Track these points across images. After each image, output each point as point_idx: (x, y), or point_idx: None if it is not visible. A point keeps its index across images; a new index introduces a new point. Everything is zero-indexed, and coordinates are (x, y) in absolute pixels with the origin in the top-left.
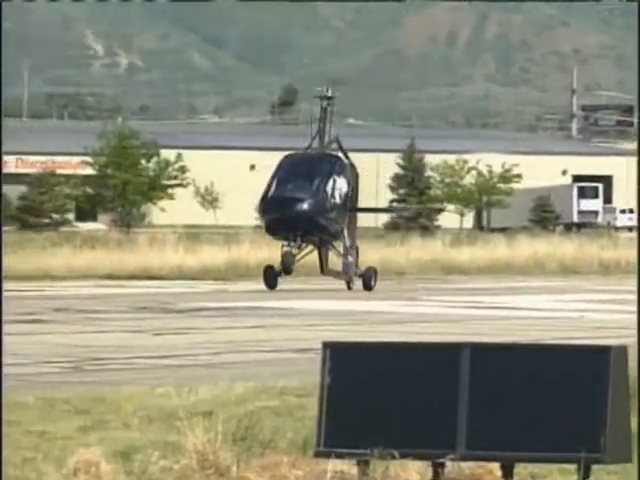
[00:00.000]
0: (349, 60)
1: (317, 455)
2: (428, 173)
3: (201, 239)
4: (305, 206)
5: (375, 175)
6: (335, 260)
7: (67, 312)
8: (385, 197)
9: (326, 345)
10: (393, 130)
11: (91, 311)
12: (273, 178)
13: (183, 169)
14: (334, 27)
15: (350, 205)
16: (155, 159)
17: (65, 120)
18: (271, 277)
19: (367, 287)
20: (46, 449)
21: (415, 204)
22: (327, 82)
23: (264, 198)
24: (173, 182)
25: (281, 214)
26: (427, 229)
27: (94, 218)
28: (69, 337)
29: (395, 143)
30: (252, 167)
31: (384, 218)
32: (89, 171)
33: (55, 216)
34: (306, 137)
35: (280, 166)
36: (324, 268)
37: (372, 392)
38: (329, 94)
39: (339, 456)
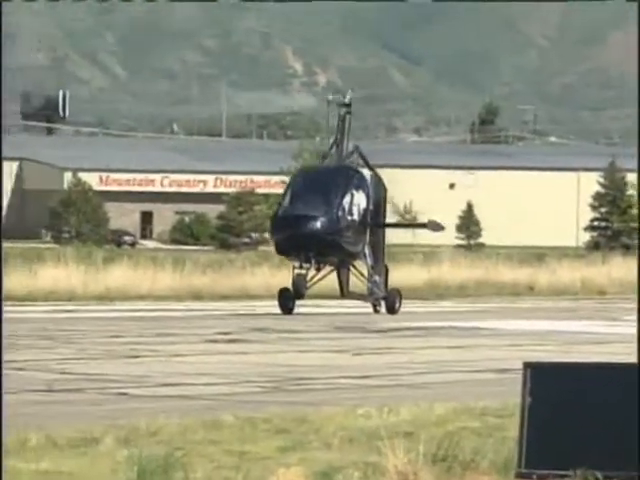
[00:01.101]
0: (553, 78)
1: (518, 476)
2: (630, 192)
3: (400, 258)
4: (317, 224)
5: (576, 193)
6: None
7: (266, 332)
8: (586, 216)
9: (527, 365)
10: (595, 148)
11: (290, 331)
12: (285, 193)
13: None
14: (538, 45)
15: (375, 221)
16: None
17: (264, 140)
18: (287, 300)
19: (391, 310)
20: (246, 469)
21: (617, 223)
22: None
23: (275, 215)
24: None
25: (291, 233)
26: (629, 248)
27: None
28: (269, 357)
29: (597, 161)
30: (451, 186)
31: (585, 237)
32: None
33: (254, 235)
34: (505, 156)
35: (293, 181)
36: (344, 291)
37: (574, 412)
38: (347, 101)
39: (541, 477)
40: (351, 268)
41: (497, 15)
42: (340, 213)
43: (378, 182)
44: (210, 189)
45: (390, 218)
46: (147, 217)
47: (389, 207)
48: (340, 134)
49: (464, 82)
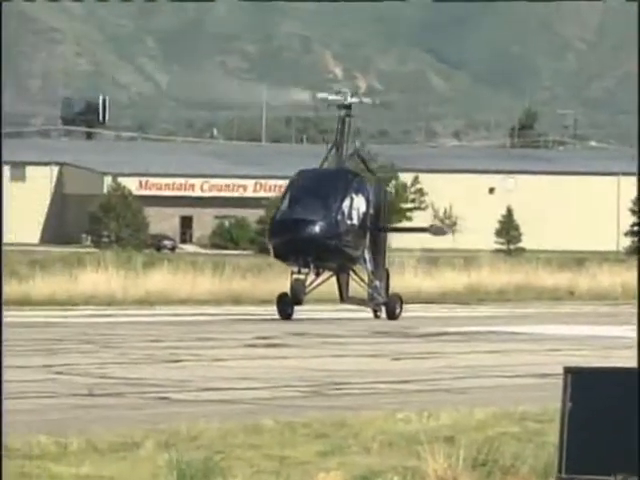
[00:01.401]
0: (592, 82)
1: None
2: None
3: (440, 263)
4: (316, 229)
5: (616, 198)
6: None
7: (305, 336)
8: (626, 220)
9: (567, 370)
10: (635, 152)
11: (330, 335)
12: (284, 197)
13: (421, 192)
14: (576, 49)
15: (375, 225)
16: (393, 182)
17: (304, 144)
18: (285, 305)
19: (391, 316)
20: (286, 473)
21: None
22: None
23: (273, 219)
24: (411, 205)
25: (289, 237)
26: None
27: None
28: (308, 361)
29: (637, 166)
30: (491, 190)
31: (626, 242)
32: None
33: None
34: (545, 160)
35: (291, 184)
36: (344, 296)
37: (614, 418)
38: (347, 102)
39: None
40: (351, 273)
41: (534, 17)
42: (339, 217)
43: (379, 185)
44: (250, 194)
45: (429, 222)
46: (187, 221)
47: (429, 211)
48: (340, 136)
49: (503, 86)
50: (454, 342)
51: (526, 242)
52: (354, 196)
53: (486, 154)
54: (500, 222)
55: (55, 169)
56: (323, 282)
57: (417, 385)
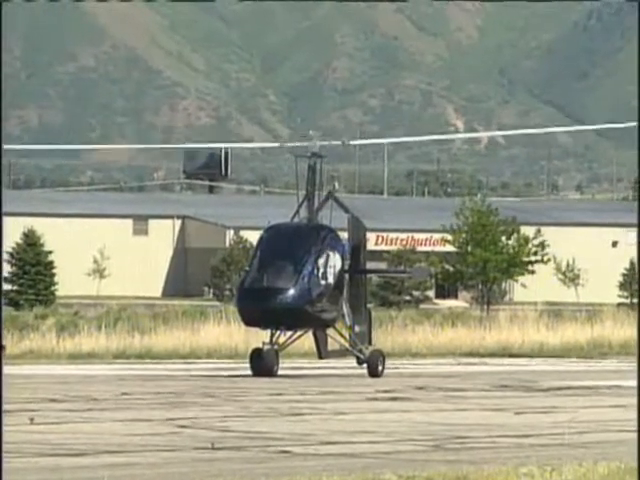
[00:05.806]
0: None
1: None
2: None
3: (563, 316)
4: (287, 298)
5: None
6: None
7: (427, 390)
8: None
9: None
10: None
11: (451, 389)
12: (254, 257)
13: (543, 245)
14: None
15: (354, 268)
16: (515, 235)
17: (425, 197)
18: (258, 362)
19: (373, 373)
20: None
21: None
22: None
23: (242, 284)
24: (533, 258)
25: (259, 307)
26: None
27: (455, 295)
28: (430, 415)
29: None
30: (614, 244)
31: None
32: (449, 248)
33: (415, 293)
34: None
35: (261, 243)
36: (322, 353)
37: None
38: (316, 150)
39: None
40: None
41: None
42: (313, 281)
43: (357, 224)
44: (371, 247)
45: (552, 275)
46: None
47: (551, 265)
48: (311, 186)
49: (626, 139)
50: (577, 396)
51: None
52: (329, 253)
53: (609, 207)
54: (623, 275)
55: (177, 222)
56: (299, 337)
57: (540, 439)
